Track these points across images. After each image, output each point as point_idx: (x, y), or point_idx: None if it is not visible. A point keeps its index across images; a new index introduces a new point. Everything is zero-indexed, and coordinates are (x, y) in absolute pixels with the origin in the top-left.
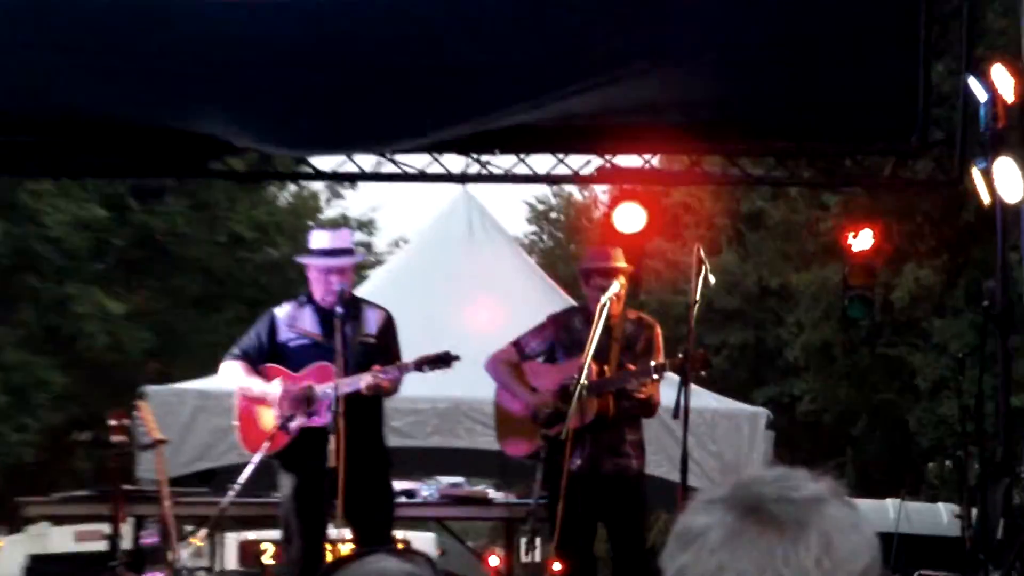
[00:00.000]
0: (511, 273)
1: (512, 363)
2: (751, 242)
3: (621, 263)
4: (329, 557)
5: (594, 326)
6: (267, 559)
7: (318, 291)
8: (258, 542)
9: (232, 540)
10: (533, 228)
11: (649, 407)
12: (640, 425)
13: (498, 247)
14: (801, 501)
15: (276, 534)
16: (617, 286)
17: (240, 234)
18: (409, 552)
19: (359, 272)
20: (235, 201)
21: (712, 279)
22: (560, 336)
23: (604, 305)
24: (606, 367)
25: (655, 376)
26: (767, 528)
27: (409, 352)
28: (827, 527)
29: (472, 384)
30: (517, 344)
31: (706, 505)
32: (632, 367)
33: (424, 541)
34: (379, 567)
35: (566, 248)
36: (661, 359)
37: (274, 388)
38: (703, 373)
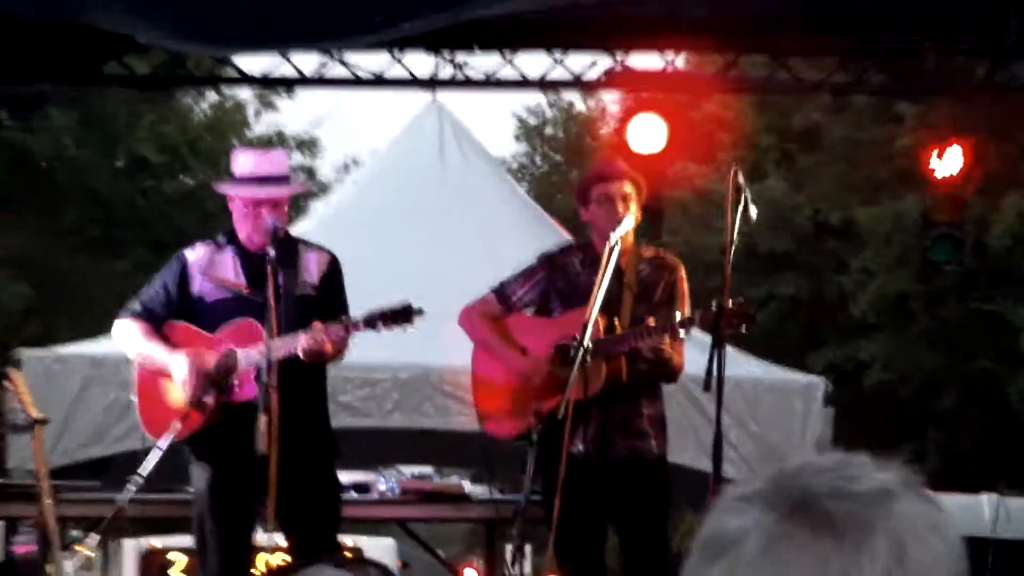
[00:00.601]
0: (494, 205)
1: (494, 316)
2: (805, 166)
3: (628, 168)
4: (257, 571)
5: (602, 268)
6: (176, 573)
7: (244, 229)
8: (164, 551)
9: (131, 549)
10: (523, 148)
11: (670, 369)
12: (660, 395)
13: (477, 172)
14: (864, 496)
15: (188, 541)
16: (631, 218)
17: (144, 157)
18: (359, 563)
19: (297, 204)
20: (138, 115)
21: (754, 213)
22: (555, 281)
23: (615, 246)
24: (616, 321)
25: (680, 333)
26: (820, 532)
27: (360, 305)
28: (898, 530)
29: (443, 347)
30: (500, 292)
31: (740, 503)
32: (651, 321)
33: (381, 549)
34: None
35: (565, 174)
36: (687, 310)
37: (179, 355)
38: (743, 330)
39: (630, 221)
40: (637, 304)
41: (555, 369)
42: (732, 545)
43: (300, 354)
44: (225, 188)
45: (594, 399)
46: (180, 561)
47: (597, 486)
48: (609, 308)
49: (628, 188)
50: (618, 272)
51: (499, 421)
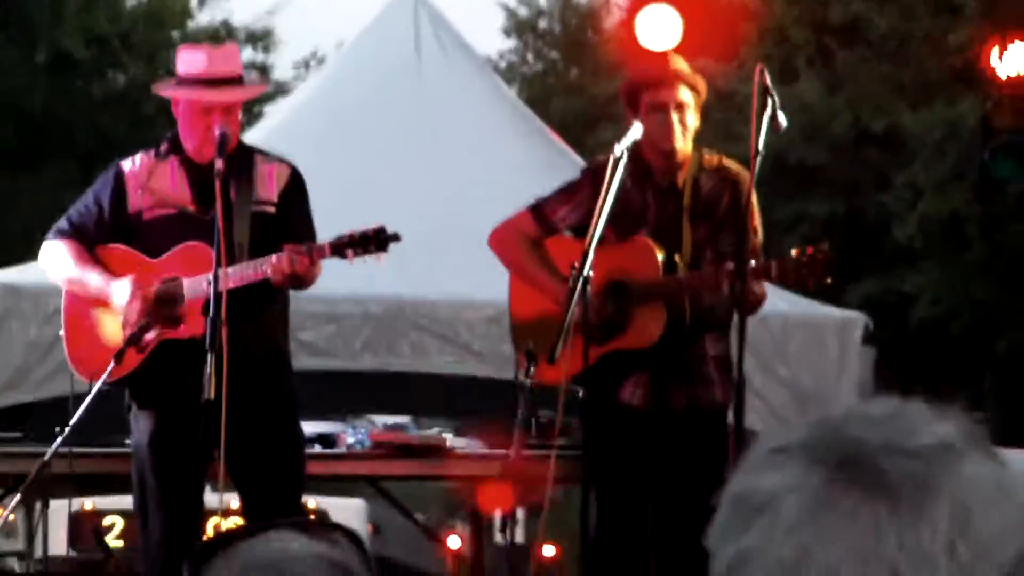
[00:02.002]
0: (480, 109)
1: (531, 238)
2: (844, 64)
3: (684, 66)
4: (207, 535)
5: (604, 190)
6: (113, 539)
7: (190, 139)
8: (98, 513)
9: (60, 511)
10: (512, 43)
11: (750, 302)
12: (729, 330)
13: (459, 70)
14: (924, 452)
15: (127, 501)
16: (640, 128)
17: (69, 52)
18: (323, 528)
19: (249, 108)
20: (61, 5)
21: (784, 119)
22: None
23: (620, 159)
24: (677, 256)
25: (783, 280)
26: (873, 493)
27: (323, 228)
28: (963, 494)
29: (422, 276)
30: (537, 210)
31: (778, 457)
32: (727, 266)
33: (349, 511)
34: (277, 550)
35: (563, 74)
36: (759, 229)
37: (118, 295)
38: (827, 283)
39: (638, 130)
40: (696, 227)
41: (609, 307)
42: (769, 505)
43: (271, 276)
44: (168, 91)
45: (644, 348)
46: (117, 524)
47: (648, 441)
48: (666, 237)
49: (684, 95)
50: (673, 191)
51: (541, 363)
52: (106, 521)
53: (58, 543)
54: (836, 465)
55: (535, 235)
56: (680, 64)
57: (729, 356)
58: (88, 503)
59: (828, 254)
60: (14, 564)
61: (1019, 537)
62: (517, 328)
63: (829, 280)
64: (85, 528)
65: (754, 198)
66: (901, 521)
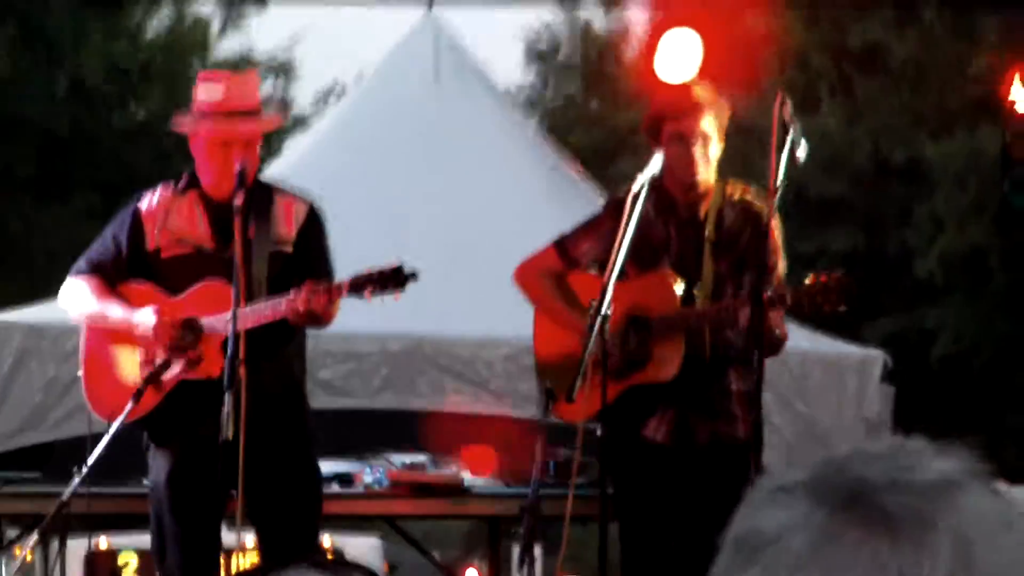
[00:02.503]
0: (498, 141)
1: (555, 273)
2: (864, 93)
3: (708, 96)
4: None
5: (624, 223)
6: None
7: (208, 173)
8: (113, 552)
9: (75, 549)
10: (531, 77)
11: (770, 342)
12: (760, 364)
13: (479, 102)
14: (924, 488)
15: (141, 539)
16: (660, 159)
17: (89, 81)
18: (342, 567)
19: (268, 141)
20: (82, 33)
21: (804, 151)
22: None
23: (639, 193)
24: (696, 289)
25: (798, 305)
26: (875, 529)
27: (341, 261)
28: (964, 527)
29: (440, 313)
30: (560, 245)
31: (781, 495)
32: (744, 298)
33: (366, 550)
34: None
35: (583, 105)
36: (781, 267)
37: (142, 319)
38: (841, 310)
39: (658, 160)
40: (718, 260)
41: (632, 342)
42: (773, 543)
43: (289, 315)
44: (186, 125)
45: (669, 383)
46: (132, 562)
47: (672, 476)
48: (686, 269)
49: (707, 124)
50: (695, 223)
51: (560, 401)
52: (120, 559)
53: None
54: (839, 502)
55: (559, 270)
56: (704, 93)
57: (754, 394)
58: (103, 541)
59: (843, 280)
60: None
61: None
62: (541, 365)
63: (843, 307)
64: (101, 566)
65: (777, 232)
66: (902, 555)
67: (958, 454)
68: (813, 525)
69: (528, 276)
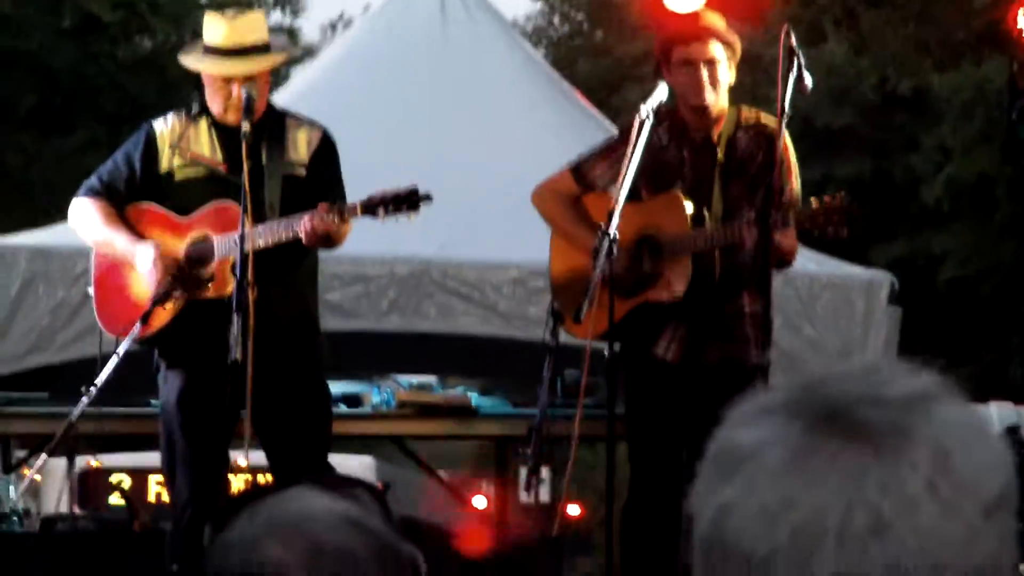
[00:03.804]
0: (508, 74)
1: (571, 196)
2: (869, 25)
3: (719, 23)
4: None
5: (629, 149)
6: (118, 498)
7: (215, 104)
8: (106, 471)
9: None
10: (538, 6)
11: (779, 257)
12: (769, 286)
13: (487, 35)
14: (899, 401)
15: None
16: (666, 88)
17: (95, 16)
18: (346, 485)
19: (277, 71)
20: None
21: (810, 80)
22: (640, 156)
23: (645, 120)
24: (706, 210)
25: (801, 226)
26: (853, 441)
27: (351, 190)
28: (940, 436)
29: (449, 238)
30: (576, 169)
31: (758, 414)
32: (749, 213)
33: (358, 468)
34: (298, 509)
35: (589, 37)
36: (795, 186)
37: (146, 246)
38: (845, 234)
39: (664, 90)
40: (730, 184)
41: (638, 263)
42: (750, 458)
43: (303, 235)
44: (190, 63)
45: (678, 302)
46: (123, 482)
47: (681, 395)
48: (698, 193)
49: (715, 50)
50: (707, 147)
51: (568, 321)
52: (112, 479)
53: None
54: (816, 417)
55: (575, 193)
56: (713, 20)
57: (768, 315)
58: (93, 461)
59: (846, 203)
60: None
61: (999, 474)
62: (556, 286)
63: (846, 231)
64: (92, 486)
65: (790, 153)
66: (882, 465)
67: (930, 372)
68: (790, 439)
69: (544, 198)
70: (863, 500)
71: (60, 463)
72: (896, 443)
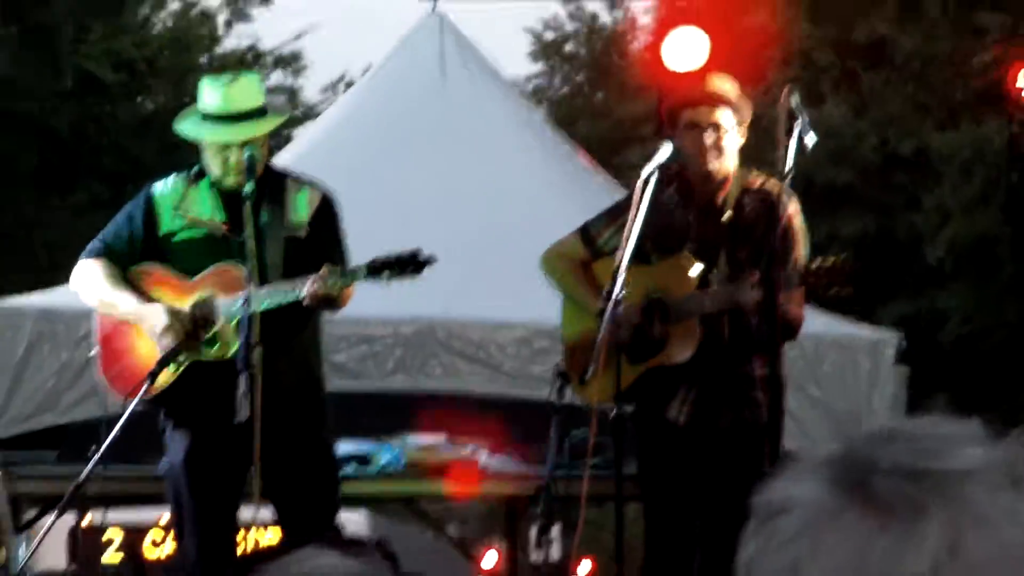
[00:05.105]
0: (510, 133)
1: (579, 260)
2: (870, 87)
3: (728, 89)
4: (242, 553)
5: (633, 210)
6: (113, 552)
7: (214, 170)
8: (99, 529)
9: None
10: (539, 67)
11: (785, 325)
12: (780, 351)
13: (486, 93)
14: (931, 475)
15: (126, 516)
16: (669, 148)
17: (96, 75)
18: (357, 545)
19: (278, 132)
20: (87, 28)
21: (811, 141)
22: (648, 218)
23: (648, 180)
24: (713, 271)
25: (804, 283)
26: (868, 512)
27: (356, 253)
28: (959, 517)
29: (452, 298)
30: (584, 233)
31: (804, 471)
32: (755, 275)
33: (350, 524)
34: (311, 568)
35: (589, 97)
36: (801, 254)
37: (154, 307)
38: (842, 294)
39: (667, 149)
40: (736, 247)
41: (648, 327)
42: (775, 516)
43: (306, 298)
44: (187, 130)
45: (686, 365)
46: (117, 539)
47: (693, 458)
48: (703, 254)
49: (722, 116)
50: (713, 209)
51: (585, 383)
52: (105, 536)
53: (59, 558)
54: (845, 482)
55: (584, 257)
56: (723, 85)
57: (780, 378)
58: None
59: (845, 263)
60: None
61: (1018, 570)
62: (568, 350)
63: (848, 290)
64: (85, 542)
65: (797, 219)
66: (888, 540)
67: (996, 443)
68: (814, 502)
69: (552, 263)
70: (866, 571)
71: (65, 520)
72: (908, 519)
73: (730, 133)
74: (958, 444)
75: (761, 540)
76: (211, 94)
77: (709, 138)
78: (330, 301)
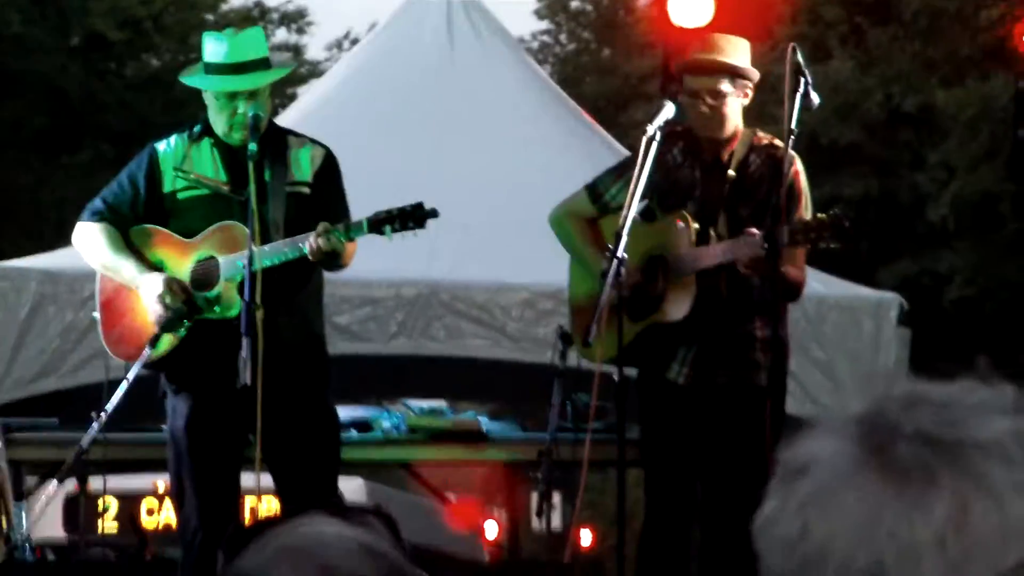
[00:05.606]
0: (515, 92)
1: (586, 217)
2: (876, 43)
3: (732, 57)
4: (243, 519)
5: (636, 169)
6: (109, 521)
7: (219, 124)
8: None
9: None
10: (544, 24)
11: (786, 287)
12: (784, 311)
13: (493, 52)
14: (953, 445)
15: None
16: (672, 107)
17: (101, 34)
18: (358, 512)
19: (283, 90)
20: None
21: (816, 98)
22: (653, 176)
23: (652, 138)
24: (712, 229)
25: (793, 240)
26: (888, 475)
27: (358, 212)
28: (967, 490)
29: (458, 259)
30: (592, 189)
31: (830, 428)
32: (753, 232)
33: (347, 491)
34: (310, 535)
35: (596, 54)
36: (805, 212)
37: (153, 276)
38: (833, 246)
39: (670, 108)
40: (738, 205)
41: (649, 284)
42: (795, 478)
43: (308, 253)
44: (193, 81)
45: (684, 324)
46: (112, 507)
47: (692, 418)
48: (704, 212)
49: (723, 84)
50: (718, 167)
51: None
52: (100, 504)
53: (54, 527)
54: (866, 443)
55: (591, 214)
56: (724, 49)
57: (782, 339)
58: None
59: (838, 218)
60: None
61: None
62: (574, 309)
63: (835, 244)
64: (79, 511)
65: (802, 178)
66: (900, 506)
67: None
68: (834, 461)
69: (560, 220)
70: (870, 542)
71: (51, 487)
72: (920, 488)
73: (731, 98)
74: (984, 413)
75: (779, 500)
76: (216, 46)
77: (707, 107)
78: (334, 256)
